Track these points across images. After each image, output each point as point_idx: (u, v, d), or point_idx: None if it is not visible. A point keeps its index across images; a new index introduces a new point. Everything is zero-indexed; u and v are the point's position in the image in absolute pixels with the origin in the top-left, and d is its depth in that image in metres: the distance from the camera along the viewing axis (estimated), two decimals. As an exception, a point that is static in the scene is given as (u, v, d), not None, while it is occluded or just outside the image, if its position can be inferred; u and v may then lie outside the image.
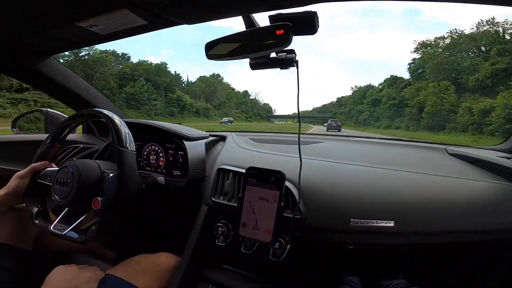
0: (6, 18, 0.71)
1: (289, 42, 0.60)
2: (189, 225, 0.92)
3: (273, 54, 0.69)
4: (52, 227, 0.67)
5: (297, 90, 0.68)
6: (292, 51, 0.67)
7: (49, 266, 0.70)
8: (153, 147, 1.02)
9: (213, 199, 0.83)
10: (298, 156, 0.79)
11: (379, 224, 0.69)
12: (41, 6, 0.65)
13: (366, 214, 0.70)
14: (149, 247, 0.84)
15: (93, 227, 0.63)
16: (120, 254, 0.99)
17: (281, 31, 0.60)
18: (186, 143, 0.94)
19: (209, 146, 1.04)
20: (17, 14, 0.68)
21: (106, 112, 0.72)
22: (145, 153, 1.03)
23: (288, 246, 0.71)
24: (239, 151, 1.01)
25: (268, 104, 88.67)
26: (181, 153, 0.96)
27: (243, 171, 0.80)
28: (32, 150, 0.83)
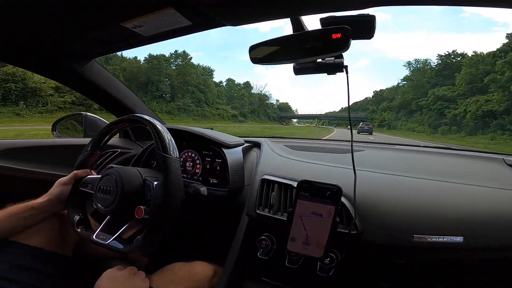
0: (51, 20, 0.71)
1: (347, 47, 0.56)
2: (227, 235, 0.89)
3: (319, 59, 0.66)
4: (95, 236, 0.65)
5: (347, 96, 0.65)
6: (340, 56, 0.63)
7: (88, 272, 0.71)
8: (189, 153, 0.99)
9: (257, 211, 0.78)
10: (347, 166, 0.79)
11: (446, 240, 0.65)
12: (87, 6, 0.63)
13: (431, 230, 0.66)
14: (184, 255, 0.81)
15: (139, 237, 0.61)
16: (152, 260, 0.97)
17: (338, 35, 0.56)
18: (226, 151, 0.91)
19: (244, 153, 1.00)
20: (63, 16, 0.68)
21: (147, 118, 0.69)
22: (182, 159, 1.00)
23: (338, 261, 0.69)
24: (279, 159, 0.96)
25: (286, 103, 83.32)
26: (219, 160, 0.93)
27: (292, 183, 0.77)
28: (72, 154, 0.82)
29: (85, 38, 0.81)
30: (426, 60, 45.30)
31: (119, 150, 1.15)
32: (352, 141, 0.71)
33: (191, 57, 42.14)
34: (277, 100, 76.01)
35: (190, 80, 39.33)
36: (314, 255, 0.65)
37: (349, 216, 0.69)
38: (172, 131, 0.90)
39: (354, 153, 0.99)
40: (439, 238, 0.65)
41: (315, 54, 0.62)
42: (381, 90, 60.77)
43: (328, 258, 0.67)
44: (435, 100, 33.24)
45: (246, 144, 1.05)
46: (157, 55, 36.00)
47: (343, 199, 0.68)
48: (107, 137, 0.79)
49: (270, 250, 0.77)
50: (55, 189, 0.73)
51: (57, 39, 0.81)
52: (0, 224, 0.66)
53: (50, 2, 0.61)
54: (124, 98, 1.10)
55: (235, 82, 58.79)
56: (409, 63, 47.53)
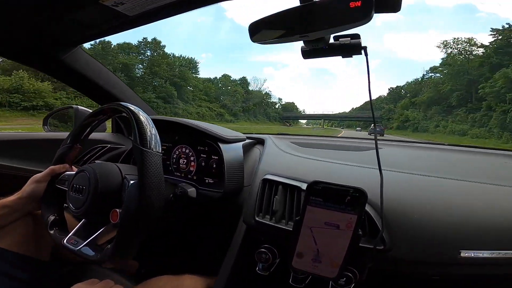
0: (28, 4, 0.64)
1: (370, 17, 0.46)
2: (222, 244, 0.79)
3: (331, 40, 0.56)
4: (66, 241, 0.58)
5: (368, 83, 0.56)
6: (357, 35, 0.55)
7: (66, 277, 0.66)
8: (183, 149, 0.89)
9: (256, 218, 0.66)
10: (367, 166, 0.70)
11: (505, 256, 0.52)
12: None
13: (484, 243, 0.53)
14: (173, 265, 0.74)
15: (109, 245, 0.53)
16: (142, 264, 0.88)
17: (358, 3, 0.46)
18: (222, 146, 0.80)
19: (245, 150, 0.89)
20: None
21: (130, 106, 0.60)
22: (175, 156, 0.90)
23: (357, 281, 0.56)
24: (285, 157, 0.84)
25: (292, 103, 79.51)
26: (215, 157, 0.82)
27: (299, 184, 0.65)
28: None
29: (64, 21, 0.74)
30: (470, 39, 34.63)
31: (109, 145, 1.07)
32: (376, 137, 0.57)
33: (164, 46, 37.57)
34: (280, 99, 71.56)
35: (160, 72, 34.50)
36: (326, 275, 0.53)
37: (373, 227, 0.56)
38: (163, 122, 0.80)
39: (369, 151, 0.89)
40: (494, 253, 0.52)
41: (329, 25, 0.51)
42: (397, 86, 56.25)
43: (344, 278, 0.55)
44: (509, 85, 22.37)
45: (248, 141, 0.94)
46: (124, 43, 33.08)
47: (366, 207, 0.54)
48: (88, 129, 0.72)
49: (271, 264, 0.66)
50: (28, 186, 0.67)
51: (34, 23, 0.74)
52: None
53: None
54: (112, 88, 1.01)
55: (231, 78, 53.70)
56: (445, 44, 36.97)
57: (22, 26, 0.74)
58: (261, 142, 0.98)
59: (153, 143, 0.53)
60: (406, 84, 51.17)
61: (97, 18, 0.72)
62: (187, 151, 0.88)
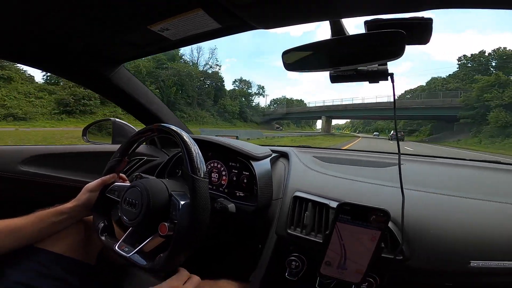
0: (81, 24, 0.70)
1: (402, 53, 0.50)
2: (253, 251, 0.85)
3: (362, 66, 0.59)
4: (117, 247, 0.64)
5: (393, 107, 0.62)
6: (384, 62, 0.57)
7: (112, 280, 0.70)
8: (215, 164, 0.94)
9: (288, 231, 0.72)
10: (390, 185, 0.75)
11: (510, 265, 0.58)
12: (114, 10, 0.62)
13: (492, 255, 0.60)
14: (208, 271, 0.77)
15: (161, 255, 0.59)
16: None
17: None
18: (254, 163, 0.85)
19: (271, 164, 0.94)
20: (93, 20, 0.67)
21: (176, 129, 0.66)
22: (207, 170, 0.95)
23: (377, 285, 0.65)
24: (312, 174, 0.88)
25: (301, 100, 67.98)
26: (246, 173, 0.87)
27: (327, 202, 0.71)
28: (100, 161, 0.80)
29: (113, 42, 0.80)
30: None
31: (145, 157, 1.13)
32: (399, 153, 0.61)
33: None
34: (260, 86, 56.87)
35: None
36: (351, 280, 0.61)
37: (393, 240, 0.63)
38: (198, 141, 0.86)
39: (391, 167, 0.91)
40: (500, 263, 0.58)
41: (361, 61, 0.56)
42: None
43: (366, 283, 0.63)
44: None
45: (273, 154, 0.99)
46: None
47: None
48: (135, 145, 0.78)
49: (299, 271, 0.73)
50: (82, 195, 0.72)
51: (87, 43, 0.80)
52: (29, 228, 0.65)
53: (80, 4, 0.59)
54: (151, 106, 1.08)
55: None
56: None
57: (76, 45, 0.80)
58: (284, 155, 1.02)
59: (200, 167, 0.58)
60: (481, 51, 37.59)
61: (143, 40, 0.78)
62: (219, 166, 0.93)
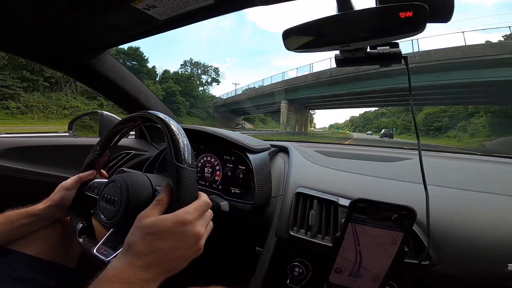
0: (59, 6, 0.64)
1: (423, 28, 0.44)
2: (249, 254, 0.78)
3: (368, 48, 0.54)
4: (96, 250, 0.57)
5: (409, 92, 0.57)
6: (396, 44, 0.52)
7: None
8: (208, 158, 0.87)
9: (291, 233, 0.64)
10: (406, 180, 0.69)
11: None
12: None
13: None
14: (198, 275, 0.71)
15: None
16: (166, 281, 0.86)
17: (409, 13, 0.44)
18: (251, 156, 0.77)
19: (270, 159, 0.86)
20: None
21: (161, 115, 0.57)
22: (200, 164, 0.88)
23: None
24: (316, 168, 0.81)
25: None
26: (242, 167, 0.79)
27: (336, 199, 0.64)
28: (85, 155, 0.74)
29: (95, 24, 0.73)
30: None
31: (133, 152, 1.06)
32: (419, 149, 0.54)
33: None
34: (216, 69, 48.00)
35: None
36: None
37: (417, 242, 0.55)
38: (189, 131, 0.78)
39: (403, 161, 0.84)
40: None
41: (375, 37, 0.49)
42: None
43: None
44: None
45: (272, 149, 0.91)
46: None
47: None
48: (117, 137, 0.70)
49: (303, 278, 0.65)
50: (56, 194, 0.65)
51: (65, 26, 0.73)
52: None
53: None
54: (138, 94, 1.00)
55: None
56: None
57: (52, 28, 0.73)
58: (283, 150, 0.95)
59: (186, 155, 0.50)
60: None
61: (127, 21, 0.71)
62: (212, 160, 0.86)
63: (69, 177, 0.68)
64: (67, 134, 1.21)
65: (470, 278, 0.55)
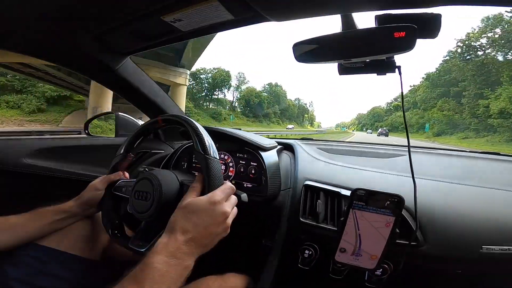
0: (98, 19, 0.70)
1: (413, 46, 0.52)
2: (261, 242, 0.86)
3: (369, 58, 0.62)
4: (130, 243, 0.62)
5: (401, 99, 0.64)
6: (391, 55, 0.60)
7: (116, 276, 0.64)
8: (222, 156, 0.95)
9: (301, 219, 0.74)
10: (399, 173, 0.78)
11: None
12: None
13: (503, 238, 0.63)
14: (214, 264, 0.77)
15: None
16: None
17: (402, 34, 0.52)
18: (263, 154, 0.86)
19: (277, 156, 0.94)
20: (102, 9, 0.66)
21: (186, 117, 0.65)
22: None
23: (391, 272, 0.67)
24: (320, 164, 0.90)
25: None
26: (254, 164, 0.88)
27: (339, 190, 0.74)
28: (104, 154, 0.79)
29: (124, 33, 0.78)
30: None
31: (149, 151, 1.13)
32: (409, 146, 0.64)
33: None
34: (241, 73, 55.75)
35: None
36: (365, 267, 0.63)
37: (407, 227, 0.65)
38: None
39: (397, 158, 0.94)
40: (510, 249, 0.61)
41: (372, 53, 0.58)
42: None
43: (381, 269, 0.65)
44: None
45: (279, 146, 1.00)
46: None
47: None
48: (140, 139, 0.76)
49: (312, 259, 0.74)
50: (87, 193, 0.71)
51: (100, 35, 0.79)
52: (29, 225, 0.64)
53: None
54: (155, 98, 1.07)
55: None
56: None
57: (87, 38, 0.79)
58: (288, 147, 1.04)
59: (212, 150, 0.58)
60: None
61: (153, 31, 0.77)
62: (226, 157, 0.93)
63: (90, 175, 0.73)
64: (85, 136, 1.27)
65: (452, 259, 0.64)
